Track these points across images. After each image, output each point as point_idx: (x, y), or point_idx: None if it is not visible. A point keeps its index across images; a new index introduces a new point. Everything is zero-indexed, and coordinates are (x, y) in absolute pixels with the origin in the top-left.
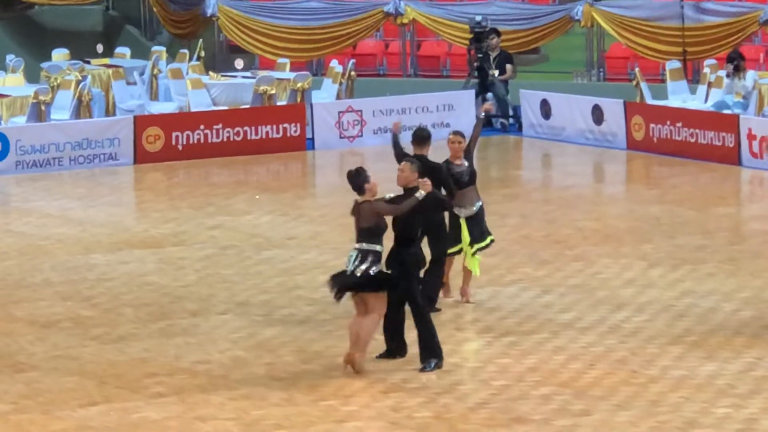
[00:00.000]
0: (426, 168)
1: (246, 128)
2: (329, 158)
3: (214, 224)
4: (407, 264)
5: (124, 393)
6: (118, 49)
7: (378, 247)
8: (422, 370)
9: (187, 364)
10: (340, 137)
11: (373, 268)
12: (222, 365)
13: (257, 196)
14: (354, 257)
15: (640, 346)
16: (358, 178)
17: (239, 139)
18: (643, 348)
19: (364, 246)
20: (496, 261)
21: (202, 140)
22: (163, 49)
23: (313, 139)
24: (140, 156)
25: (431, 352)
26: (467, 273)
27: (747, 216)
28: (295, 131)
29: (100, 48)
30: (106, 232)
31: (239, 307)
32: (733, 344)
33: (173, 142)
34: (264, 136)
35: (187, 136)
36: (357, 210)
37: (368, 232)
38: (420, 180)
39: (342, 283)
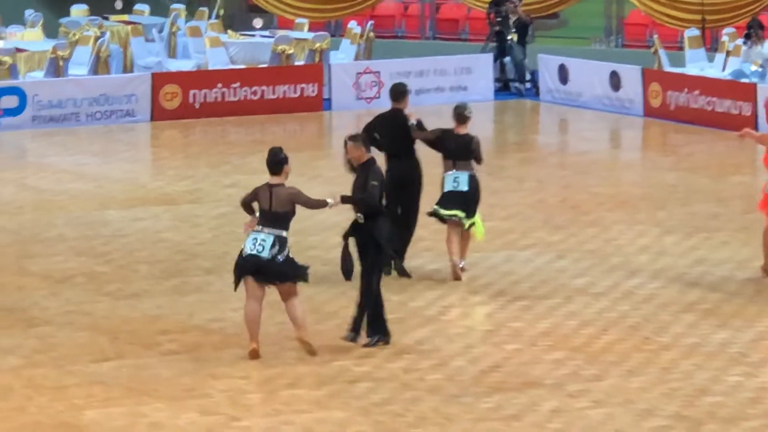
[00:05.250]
0: (397, 121)
1: (263, 87)
2: (346, 119)
3: (230, 182)
4: (376, 237)
5: (137, 349)
6: (137, 6)
7: (286, 233)
8: (365, 345)
9: (201, 322)
10: (358, 98)
11: (290, 255)
12: (235, 324)
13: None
14: (270, 243)
15: (653, 313)
16: (280, 156)
17: (256, 98)
18: (656, 315)
19: (277, 232)
20: (510, 225)
21: (219, 98)
22: (183, 6)
23: (330, 99)
24: (157, 113)
25: (377, 329)
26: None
27: (762, 185)
28: (313, 91)
29: (119, 4)
30: (122, 188)
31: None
32: (746, 313)
33: (190, 100)
34: (281, 96)
35: (205, 94)
36: (269, 192)
37: (283, 216)
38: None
39: (265, 270)
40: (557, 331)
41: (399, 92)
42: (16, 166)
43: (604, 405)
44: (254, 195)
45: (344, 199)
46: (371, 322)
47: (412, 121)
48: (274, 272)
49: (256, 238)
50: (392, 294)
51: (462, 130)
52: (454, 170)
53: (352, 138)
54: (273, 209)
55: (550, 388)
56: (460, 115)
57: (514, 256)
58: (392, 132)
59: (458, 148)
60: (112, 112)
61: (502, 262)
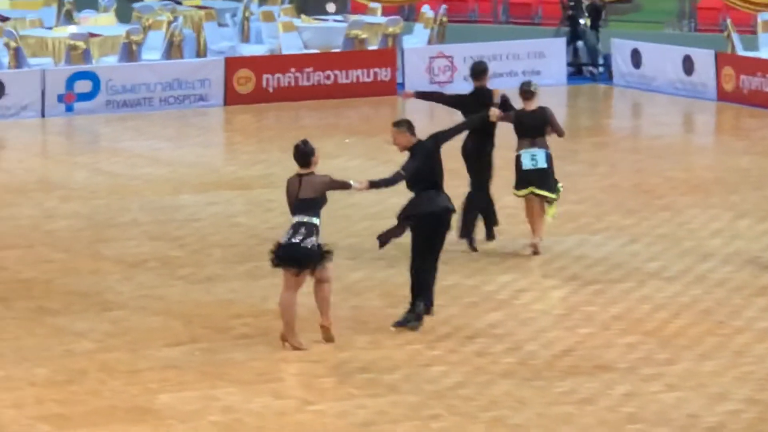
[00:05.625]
0: (480, 99)
1: (337, 72)
2: (419, 103)
3: None
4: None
5: (210, 333)
6: None
7: (316, 220)
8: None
9: (274, 306)
10: (431, 82)
11: (319, 242)
12: (307, 308)
13: (347, 140)
14: (299, 229)
15: (725, 297)
16: (306, 150)
17: (330, 82)
18: (729, 299)
19: (306, 218)
20: (583, 209)
21: (292, 83)
22: None
23: (403, 83)
24: (230, 97)
25: (414, 307)
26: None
27: None
28: (386, 76)
29: None
30: (195, 172)
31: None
32: None
33: (264, 85)
34: (354, 80)
35: (278, 78)
36: (298, 183)
37: (311, 202)
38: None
39: (295, 255)
40: (630, 315)
41: (479, 70)
42: (89, 151)
43: (676, 389)
44: (287, 189)
45: (372, 184)
46: (415, 297)
47: (497, 99)
48: (309, 258)
49: (291, 228)
50: (465, 278)
51: (531, 106)
52: (532, 147)
53: (396, 124)
54: (300, 196)
55: (623, 371)
56: (527, 91)
57: (587, 240)
58: (475, 110)
59: (534, 125)
60: (185, 97)
61: (575, 246)
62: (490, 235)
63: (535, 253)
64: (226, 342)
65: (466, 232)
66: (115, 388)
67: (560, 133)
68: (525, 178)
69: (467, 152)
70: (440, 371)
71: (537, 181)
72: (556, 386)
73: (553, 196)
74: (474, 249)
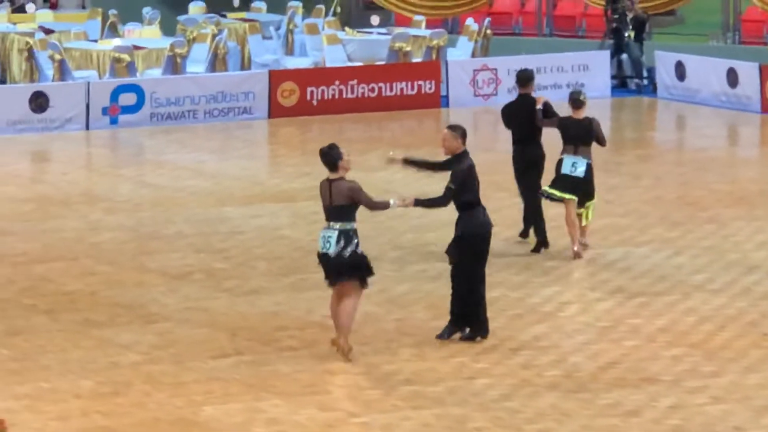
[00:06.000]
0: (524, 107)
1: (381, 84)
2: (463, 116)
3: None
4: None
5: (255, 345)
6: (255, 3)
7: (351, 225)
8: (463, 338)
9: (319, 318)
10: (475, 95)
11: (358, 250)
12: (353, 320)
13: (390, 153)
14: (336, 238)
15: None
16: (331, 154)
17: (374, 95)
18: None
19: (341, 225)
20: (628, 222)
21: (336, 96)
22: (300, 4)
23: (447, 96)
24: (274, 110)
25: (477, 325)
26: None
27: None
28: (430, 88)
29: (236, 2)
30: (240, 185)
31: (371, 263)
32: None
33: (308, 97)
34: (399, 93)
35: (322, 91)
36: (329, 188)
37: (346, 209)
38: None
39: (347, 267)
40: (675, 327)
41: (525, 78)
42: (134, 163)
43: (722, 401)
44: (320, 192)
45: (417, 202)
46: (469, 317)
47: (539, 105)
48: (335, 270)
49: (324, 236)
50: (510, 290)
51: (579, 115)
52: (574, 155)
53: (452, 128)
54: (333, 203)
55: (669, 384)
56: (576, 100)
57: (632, 253)
58: (519, 118)
59: (579, 133)
60: (229, 110)
61: (620, 259)
62: (525, 234)
63: (577, 256)
64: (271, 354)
65: (538, 232)
66: (160, 400)
67: (602, 143)
68: (560, 181)
69: (517, 160)
70: (485, 384)
71: (571, 188)
72: (601, 398)
73: (578, 208)
74: (546, 245)
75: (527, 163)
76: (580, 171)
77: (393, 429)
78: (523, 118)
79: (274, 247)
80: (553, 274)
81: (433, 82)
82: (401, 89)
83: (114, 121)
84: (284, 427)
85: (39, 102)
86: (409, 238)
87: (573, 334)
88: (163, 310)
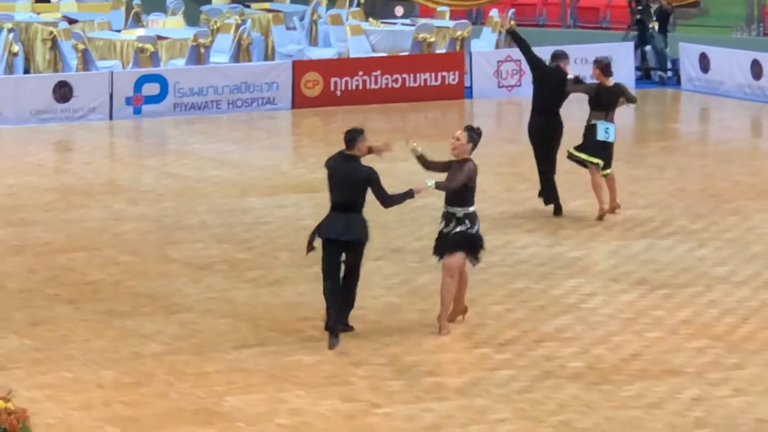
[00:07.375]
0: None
1: (404, 75)
2: (487, 107)
3: None
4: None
5: (278, 336)
6: None
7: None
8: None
9: None
10: (499, 86)
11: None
12: (376, 311)
13: (414, 144)
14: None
15: None
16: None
17: (397, 86)
18: None
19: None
20: (651, 213)
21: (360, 86)
22: None
23: (471, 87)
24: (298, 101)
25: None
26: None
27: None
28: (454, 79)
29: None
30: (263, 175)
31: (394, 254)
32: None
33: (331, 88)
34: (422, 84)
35: (346, 82)
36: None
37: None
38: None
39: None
40: (698, 319)
41: (558, 53)
42: (157, 153)
43: (745, 393)
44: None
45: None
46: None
47: (571, 75)
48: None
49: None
50: (532, 282)
51: (609, 82)
52: (606, 120)
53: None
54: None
55: (691, 376)
56: (608, 65)
57: (655, 245)
58: (549, 85)
59: (611, 100)
60: (253, 100)
61: (643, 251)
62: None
63: (601, 217)
64: (294, 345)
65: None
66: (182, 390)
67: (633, 100)
68: (593, 147)
69: (535, 130)
70: (508, 375)
71: (600, 153)
72: (623, 390)
73: (603, 171)
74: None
75: (546, 132)
76: (612, 136)
77: (415, 420)
78: (553, 86)
79: (297, 238)
80: (577, 265)
81: (456, 74)
82: (425, 80)
83: (137, 111)
84: (306, 417)
85: (63, 92)
86: (432, 229)
87: (596, 326)
88: (185, 300)
